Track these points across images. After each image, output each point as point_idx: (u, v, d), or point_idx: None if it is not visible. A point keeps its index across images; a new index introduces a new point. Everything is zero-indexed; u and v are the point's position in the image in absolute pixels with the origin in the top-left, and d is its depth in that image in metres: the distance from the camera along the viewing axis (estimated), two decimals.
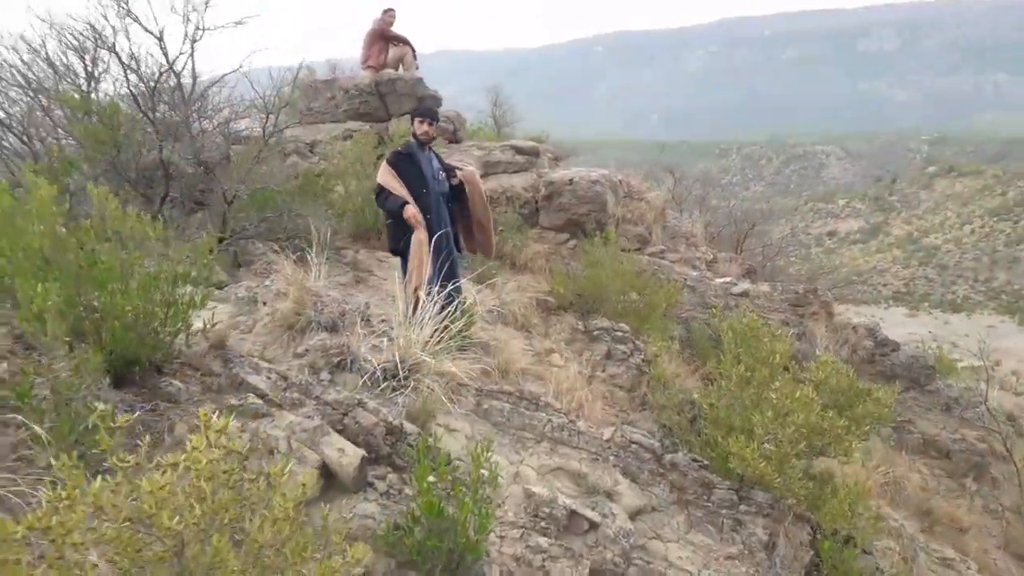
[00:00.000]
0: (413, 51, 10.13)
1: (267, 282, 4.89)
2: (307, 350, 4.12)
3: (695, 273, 8.46)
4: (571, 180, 8.45)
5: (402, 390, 4.04)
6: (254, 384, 3.71)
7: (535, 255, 8.21)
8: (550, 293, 7.75)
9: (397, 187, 5.02)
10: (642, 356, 5.90)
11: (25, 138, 6.20)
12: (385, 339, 4.39)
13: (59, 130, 6.05)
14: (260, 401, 3.61)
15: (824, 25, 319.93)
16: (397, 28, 10.16)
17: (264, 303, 4.57)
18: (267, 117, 6.05)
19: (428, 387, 4.07)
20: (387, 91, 9.65)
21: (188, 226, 6.68)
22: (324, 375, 3.97)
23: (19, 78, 5.86)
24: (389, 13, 10.04)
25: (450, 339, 4.47)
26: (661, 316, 6.93)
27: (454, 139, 9.56)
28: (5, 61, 5.88)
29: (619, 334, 5.98)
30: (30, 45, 6.20)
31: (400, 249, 5.12)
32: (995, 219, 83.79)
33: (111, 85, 6.66)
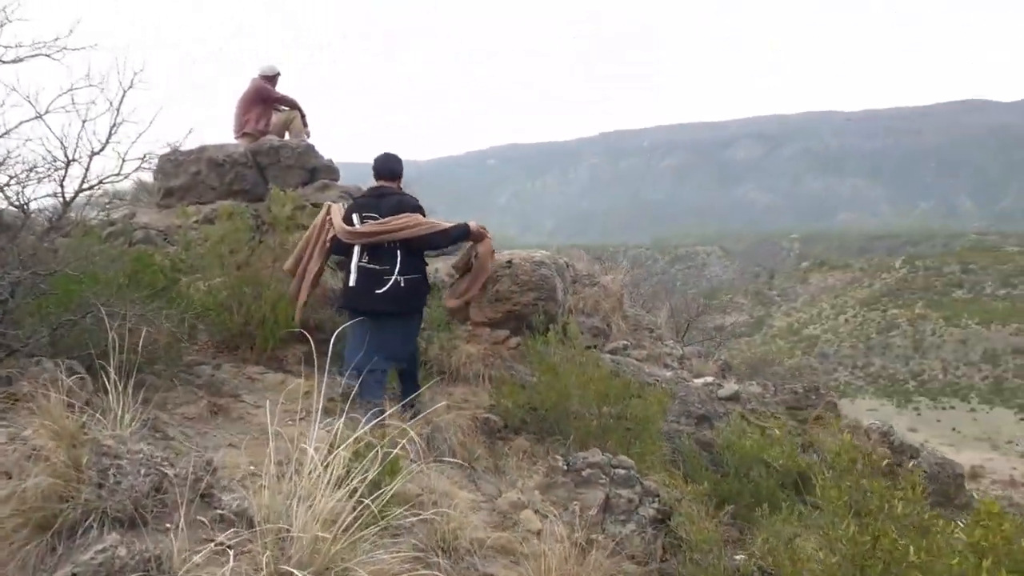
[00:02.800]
0: (303, 114, 8.29)
1: (25, 432, 2.66)
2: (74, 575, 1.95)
3: (668, 373, 6.69)
4: (509, 262, 6.62)
5: None
6: None
7: (468, 359, 6.23)
8: (493, 408, 5.76)
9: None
10: (656, 504, 3.93)
11: None
12: (242, 530, 2.29)
13: None
14: None
15: (695, 135, 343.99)
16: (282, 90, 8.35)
17: (8, 475, 2.37)
18: (66, 168, 3.90)
19: None
20: (268, 162, 7.68)
21: None
22: None
23: None
24: (272, 75, 8.22)
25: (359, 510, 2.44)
26: (657, 435, 5.04)
27: None
28: None
29: (621, 472, 4.00)
30: None
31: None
32: (866, 309, 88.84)
33: None
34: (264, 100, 8.03)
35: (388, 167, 5.12)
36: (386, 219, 4.76)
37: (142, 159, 4.02)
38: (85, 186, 3.92)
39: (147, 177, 8.63)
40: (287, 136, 8.15)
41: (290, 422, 4.65)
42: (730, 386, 6.44)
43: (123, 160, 3.96)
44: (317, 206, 7.50)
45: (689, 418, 6.13)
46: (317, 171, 7.76)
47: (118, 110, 3.93)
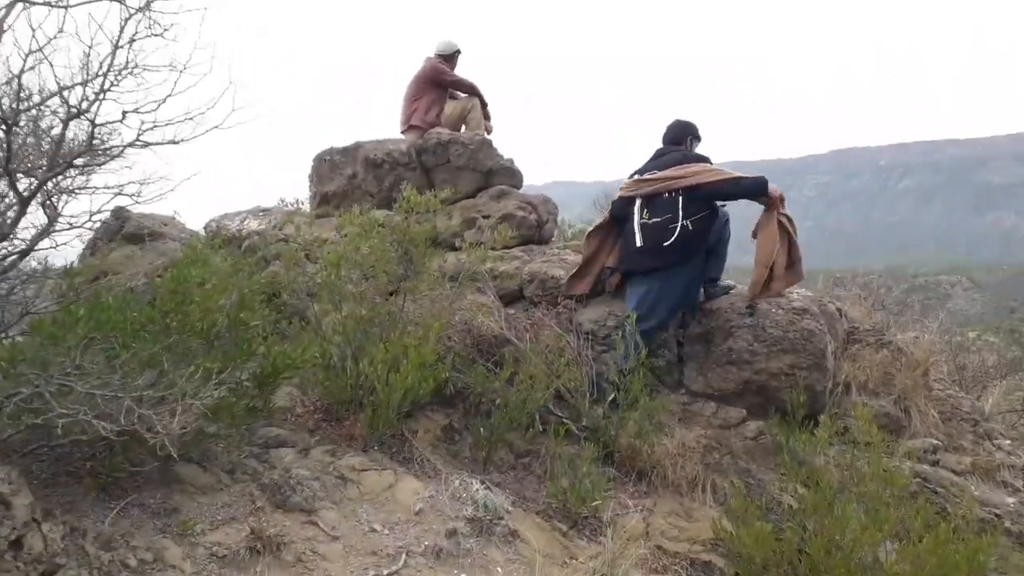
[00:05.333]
0: (483, 103, 6.61)
1: None
2: None
3: (1011, 500, 4.11)
4: (750, 307, 4.43)
5: None
6: None
7: (680, 451, 4.11)
8: (719, 547, 3.62)
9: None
10: None
11: None
12: None
13: None
14: None
15: (940, 156, 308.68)
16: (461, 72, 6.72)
17: None
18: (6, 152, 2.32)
19: None
20: (435, 162, 6.09)
21: None
22: None
23: None
24: (449, 54, 6.64)
25: None
26: None
27: (538, 236, 5.81)
28: None
29: None
30: None
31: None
32: None
33: None
34: (438, 84, 6.45)
35: (672, 132, 4.93)
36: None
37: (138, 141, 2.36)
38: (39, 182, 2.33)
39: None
40: (463, 131, 6.53)
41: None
42: None
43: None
44: (488, 218, 5.78)
45: None
46: (493, 174, 6.04)
47: (116, 47, 2.31)
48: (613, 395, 4.03)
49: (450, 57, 6.62)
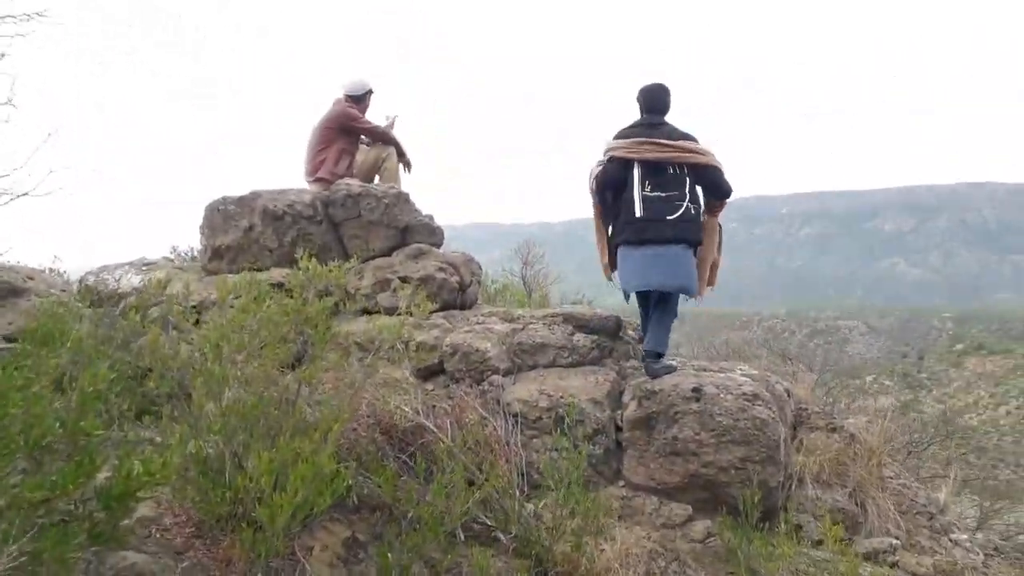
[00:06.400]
0: (400, 151, 6.05)
1: None
2: None
3: None
4: (696, 390, 3.99)
5: None
6: None
7: (622, 561, 3.57)
8: None
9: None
10: None
11: None
12: None
13: None
14: None
15: (837, 205, 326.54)
16: (373, 116, 6.14)
17: None
18: None
19: None
20: (344, 215, 5.47)
21: None
22: None
23: None
24: (360, 94, 6.05)
25: None
26: None
27: (460, 300, 5.25)
28: None
29: None
30: None
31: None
32: None
33: None
34: (348, 131, 5.85)
35: (661, 99, 4.50)
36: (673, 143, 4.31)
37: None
38: None
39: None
40: (377, 181, 5.94)
41: None
42: None
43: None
44: (406, 281, 5.20)
45: None
46: (411, 231, 5.47)
47: None
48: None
49: (360, 98, 6.03)
